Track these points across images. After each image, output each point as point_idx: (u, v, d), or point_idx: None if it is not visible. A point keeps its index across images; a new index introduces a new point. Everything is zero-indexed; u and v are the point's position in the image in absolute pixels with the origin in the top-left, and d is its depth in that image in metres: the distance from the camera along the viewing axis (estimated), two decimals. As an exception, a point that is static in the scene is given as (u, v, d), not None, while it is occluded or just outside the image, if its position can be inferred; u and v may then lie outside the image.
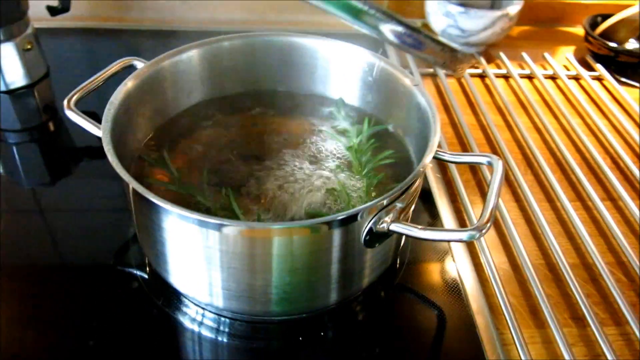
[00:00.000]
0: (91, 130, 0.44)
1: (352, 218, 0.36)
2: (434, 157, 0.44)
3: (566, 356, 0.42)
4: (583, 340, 0.44)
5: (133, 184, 0.36)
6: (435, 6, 0.79)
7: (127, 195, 0.42)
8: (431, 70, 0.78)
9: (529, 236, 0.53)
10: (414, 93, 0.48)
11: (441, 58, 0.33)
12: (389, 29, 0.30)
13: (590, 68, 0.81)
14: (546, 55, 0.83)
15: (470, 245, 0.51)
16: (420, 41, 0.32)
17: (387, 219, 0.38)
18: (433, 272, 0.50)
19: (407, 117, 0.49)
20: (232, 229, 0.35)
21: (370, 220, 0.37)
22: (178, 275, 0.42)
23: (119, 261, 0.50)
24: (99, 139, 0.41)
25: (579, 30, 0.91)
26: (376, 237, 0.39)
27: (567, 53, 0.85)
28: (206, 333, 0.44)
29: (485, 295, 0.47)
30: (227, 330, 0.44)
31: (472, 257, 0.50)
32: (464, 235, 0.37)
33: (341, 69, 0.54)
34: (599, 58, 0.82)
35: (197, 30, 0.85)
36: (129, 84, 0.46)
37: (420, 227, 0.38)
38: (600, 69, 0.80)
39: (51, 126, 0.68)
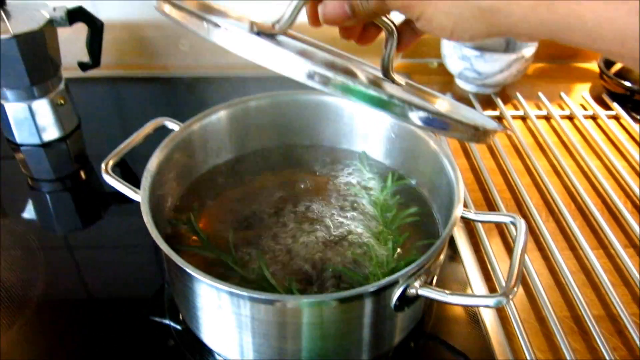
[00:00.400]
0: (130, 195, 0.46)
1: (383, 289, 0.37)
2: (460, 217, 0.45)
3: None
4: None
5: (170, 254, 0.38)
6: (451, 49, 0.81)
7: (162, 260, 0.44)
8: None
9: (553, 287, 0.54)
10: (437, 152, 0.49)
11: (467, 134, 0.35)
12: (415, 116, 0.32)
13: (606, 106, 0.82)
14: (562, 94, 0.84)
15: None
16: (446, 123, 0.33)
17: (417, 284, 0.39)
18: (461, 323, 0.51)
19: (431, 174, 0.51)
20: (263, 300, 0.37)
21: (400, 287, 0.39)
22: (210, 334, 0.44)
23: (151, 311, 0.51)
24: (129, 182, 0.43)
25: (594, 66, 0.92)
26: (406, 302, 0.40)
27: (583, 91, 0.86)
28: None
29: (512, 350, 0.47)
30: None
31: (499, 310, 0.51)
32: (491, 302, 0.38)
33: (365, 124, 0.55)
34: (614, 96, 0.83)
35: (219, 76, 0.88)
36: (163, 151, 0.48)
37: (448, 292, 0.39)
38: (616, 108, 0.81)
39: (82, 174, 0.70)
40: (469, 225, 0.61)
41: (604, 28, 0.27)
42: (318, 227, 0.47)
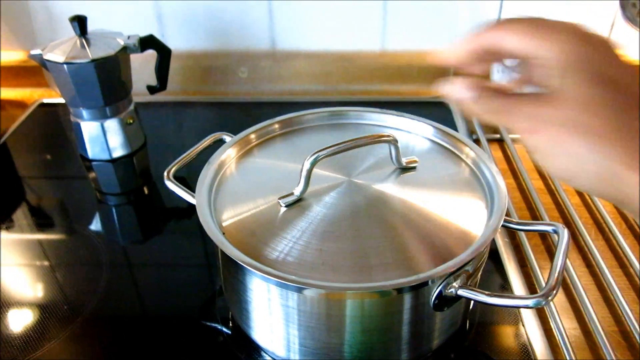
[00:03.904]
0: (187, 199, 0.50)
1: (422, 284, 0.39)
2: (503, 226, 0.46)
3: None
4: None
5: (223, 245, 0.41)
6: (499, 74, 0.82)
7: (217, 256, 0.47)
8: (498, 135, 0.80)
9: (601, 302, 0.53)
10: (478, 163, 0.51)
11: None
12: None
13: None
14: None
15: (540, 311, 0.52)
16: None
17: (456, 284, 0.40)
18: (503, 335, 0.51)
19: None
20: (309, 290, 0.39)
21: (439, 285, 0.40)
22: (260, 331, 0.46)
23: (203, 316, 0.54)
24: (188, 202, 0.46)
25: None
26: (445, 301, 0.41)
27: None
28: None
29: (556, 363, 0.47)
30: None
31: (543, 322, 0.51)
32: (530, 302, 0.39)
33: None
34: None
35: (274, 101, 0.93)
36: (218, 157, 0.52)
37: (487, 292, 0.40)
38: None
39: (146, 190, 0.75)
40: (514, 241, 0.61)
41: None
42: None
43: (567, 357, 0.47)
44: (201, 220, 0.44)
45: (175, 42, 0.88)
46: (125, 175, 0.77)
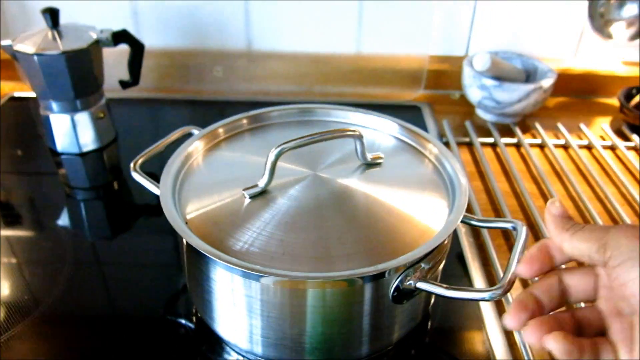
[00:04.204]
0: (153, 190, 0.50)
1: (380, 275, 0.39)
2: (463, 222, 0.47)
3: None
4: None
5: (187, 236, 0.41)
6: (471, 79, 0.84)
7: (180, 248, 0.47)
8: (467, 139, 0.82)
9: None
10: (442, 161, 0.51)
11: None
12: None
13: (626, 138, 0.83)
14: (582, 125, 0.85)
15: (501, 310, 0.53)
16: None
17: (414, 277, 0.41)
18: (463, 334, 0.52)
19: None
20: (269, 279, 0.39)
21: (398, 278, 0.41)
22: (223, 323, 0.46)
23: (168, 311, 0.54)
24: (157, 198, 0.46)
25: (614, 102, 0.93)
26: (404, 294, 0.42)
27: (602, 123, 0.88)
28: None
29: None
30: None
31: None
32: (487, 295, 0.40)
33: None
34: (635, 129, 0.84)
35: (249, 100, 0.93)
36: (184, 149, 0.52)
37: (445, 286, 0.41)
38: (635, 139, 0.82)
39: (115, 185, 0.75)
40: (478, 241, 0.62)
41: None
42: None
43: (526, 358, 0.48)
44: (164, 210, 0.44)
45: (150, 39, 0.88)
46: (95, 170, 0.76)
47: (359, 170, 0.50)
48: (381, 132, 0.57)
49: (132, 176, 0.52)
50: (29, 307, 0.53)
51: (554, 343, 0.30)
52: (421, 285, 0.41)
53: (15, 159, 0.80)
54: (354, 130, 0.49)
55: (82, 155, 0.77)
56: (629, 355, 0.30)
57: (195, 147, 0.53)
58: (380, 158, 0.51)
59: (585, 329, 0.33)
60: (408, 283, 0.41)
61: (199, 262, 0.43)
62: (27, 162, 0.79)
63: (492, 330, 0.51)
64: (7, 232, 0.64)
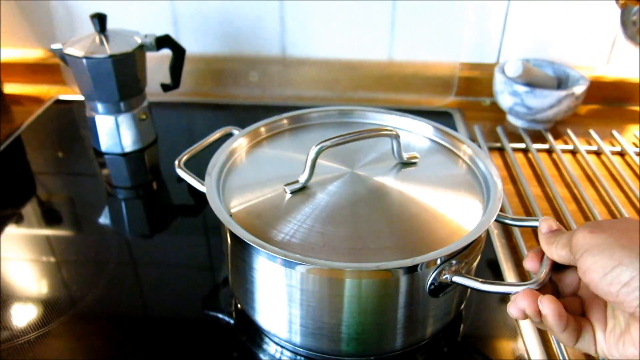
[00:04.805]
0: (197, 186, 0.52)
1: (416, 267, 0.41)
2: (497, 221, 0.49)
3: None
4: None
5: (230, 225, 0.43)
6: (502, 86, 0.85)
7: (224, 240, 0.49)
8: (498, 144, 0.83)
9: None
10: (476, 162, 0.53)
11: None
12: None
13: (659, 146, 0.83)
14: (614, 132, 0.85)
15: None
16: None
17: (450, 271, 0.42)
18: (497, 333, 0.53)
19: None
20: (310, 268, 0.41)
21: (434, 271, 0.42)
22: (263, 312, 0.48)
23: (206, 306, 0.56)
24: (194, 199, 0.48)
25: (648, 109, 0.93)
26: (440, 287, 0.43)
27: (635, 131, 0.87)
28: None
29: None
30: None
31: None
32: (520, 289, 0.41)
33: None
34: (669, 136, 0.84)
35: (283, 105, 0.95)
36: (228, 147, 0.54)
37: (480, 280, 0.42)
38: (670, 147, 0.82)
39: (155, 185, 0.78)
40: (511, 243, 0.63)
41: None
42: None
43: (559, 354, 0.49)
44: (210, 202, 0.46)
45: (189, 45, 0.91)
46: (136, 169, 0.79)
47: (395, 169, 0.52)
48: (416, 134, 0.59)
49: (171, 178, 0.54)
50: (66, 304, 0.55)
51: (549, 303, 0.34)
52: (457, 279, 0.42)
53: (59, 159, 0.83)
54: (390, 130, 0.51)
55: (124, 155, 0.80)
56: (602, 332, 0.35)
57: (238, 144, 0.55)
58: (415, 158, 0.53)
59: (570, 313, 0.37)
60: (444, 277, 0.42)
61: (242, 253, 0.45)
62: (70, 162, 0.83)
63: (526, 330, 0.52)
64: (49, 231, 0.67)
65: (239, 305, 0.54)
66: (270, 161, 0.54)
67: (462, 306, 0.52)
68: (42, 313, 0.54)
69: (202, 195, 0.48)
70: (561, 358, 0.49)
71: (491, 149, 0.82)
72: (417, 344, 0.49)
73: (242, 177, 0.52)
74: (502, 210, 0.47)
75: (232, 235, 0.44)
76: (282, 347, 0.50)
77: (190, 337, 0.52)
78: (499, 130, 0.85)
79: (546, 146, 0.82)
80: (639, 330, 0.32)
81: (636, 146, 0.83)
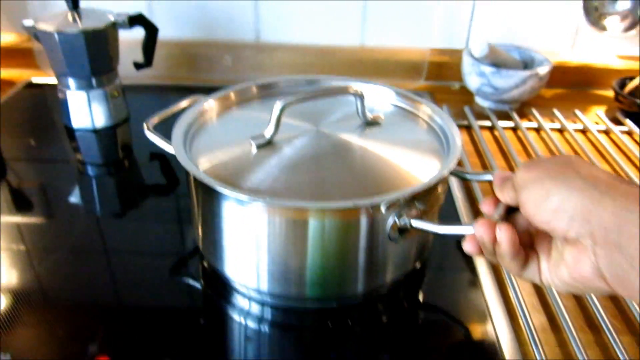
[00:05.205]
0: (165, 148, 0.53)
1: (374, 209, 0.42)
2: (457, 176, 0.50)
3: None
4: (597, 345, 0.47)
5: (197, 174, 0.44)
6: (470, 67, 0.88)
7: (192, 195, 0.50)
8: (466, 122, 0.85)
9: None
10: (437, 122, 0.55)
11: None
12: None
13: (620, 124, 0.86)
14: (577, 112, 0.88)
15: (498, 274, 0.55)
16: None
17: (410, 215, 0.44)
18: (457, 287, 0.54)
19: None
20: (273, 208, 0.42)
21: (394, 214, 0.43)
22: (231, 263, 0.49)
23: (175, 274, 0.56)
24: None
25: (609, 93, 0.96)
26: (399, 231, 0.44)
27: (597, 111, 0.90)
28: (252, 321, 0.50)
29: (510, 317, 0.50)
30: (269, 316, 0.50)
31: (500, 287, 0.53)
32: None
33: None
34: (629, 115, 0.87)
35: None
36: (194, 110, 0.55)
37: (438, 223, 0.44)
38: (629, 124, 0.84)
39: (126, 163, 0.78)
40: (471, 197, 0.65)
41: None
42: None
43: (519, 309, 0.50)
44: (176, 153, 0.47)
45: (163, 29, 0.91)
46: (107, 146, 0.80)
47: (360, 128, 0.53)
48: (380, 100, 0.60)
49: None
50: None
51: (506, 229, 0.36)
52: (416, 223, 0.44)
53: (29, 139, 0.82)
54: (355, 89, 0.52)
55: (96, 132, 0.80)
56: (547, 262, 0.36)
57: (208, 107, 0.57)
58: (379, 118, 0.54)
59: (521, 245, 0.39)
60: (403, 221, 0.44)
61: (210, 203, 0.46)
62: (41, 140, 0.82)
63: (486, 283, 0.53)
64: (18, 218, 0.66)
65: (205, 264, 0.55)
66: (238, 123, 0.55)
67: (421, 261, 0.54)
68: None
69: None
70: (520, 311, 0.50)
71: (459, 127, 0.84)
72: (378, 292, 0.50)
73: (210, 137, 0.53)
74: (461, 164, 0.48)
75: (199, 186, 0.45)
76: (250, 299, 0.51)
77: (161, 303, 0.52)
78: (467, 110, 0.88)
79: (512, 124, 0.85)
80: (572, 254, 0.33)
81: (598, 124, 0.86)
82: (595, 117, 0.89)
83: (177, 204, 0.68)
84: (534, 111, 0.88)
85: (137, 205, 0.69)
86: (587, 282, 0.33)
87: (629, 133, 0.84)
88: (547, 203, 0.33)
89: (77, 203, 0.69)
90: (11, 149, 0.79)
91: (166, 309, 0.52)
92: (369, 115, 0.54)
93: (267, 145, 0.50)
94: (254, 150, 0.49)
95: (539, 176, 0.34)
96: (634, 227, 0.29)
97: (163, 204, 0.69)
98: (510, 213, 0.41)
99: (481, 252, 0.39)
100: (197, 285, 0.55)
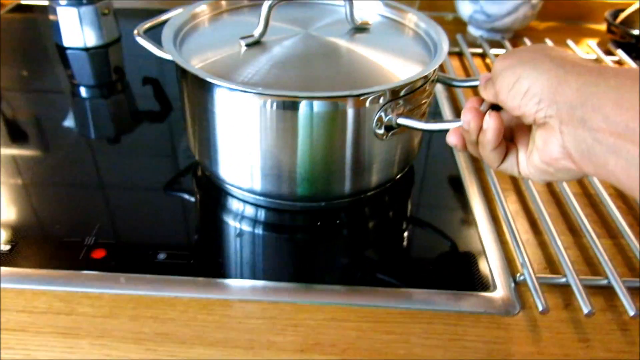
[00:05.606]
0: (155, 52, 0.53)
1: (361, 101, 0.43)
2: (444, 83, 0.51)
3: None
4: (577, 246, 0.50)
5: (189, 67, 0.45)
6: (463, -5, 0.87)
7: (184, 95, 0.50)
8: (457, 49, 0.85)
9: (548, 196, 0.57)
10: (425, 29, 0.55)
11: None
12: None
13: (611, 54, 0.86)
14: (569, 42, 0.88)
15: (486, 190, 0.56)
16: None
17: (396, 112, 0.45)
18: (443, 192, 0.56)
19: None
20: (264, 99, 0.43)
21: (380, 108, 0.44)
22: (224, 164, 0.50)
23: (169, 189, 0.57)
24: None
25: (602, 27, 0.96)
26: (385, 128, 0.45)
27: (589, 42, 0.91)
28: (247, 224, 0.51)
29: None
30: (262, 218, 0.52)
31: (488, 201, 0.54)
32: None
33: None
34: (621, 46, 0.87)
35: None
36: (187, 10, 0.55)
37: (423, 120, 0.45)
38: (620, 54, 0.85)
39: (119, 86, 0.78)
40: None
41: None
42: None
43: (507, 224, 0.51)
44: (165, 48, 0.48)
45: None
46: (99, 66, 0.79)
47: (348, 33, 0.54)
48: (368, 11, 0.60)
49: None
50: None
51: (495, 116, 0.36)
52: (401, 120, 0.45)
53: (19, 60, 0.82)
54: (345, -8, 0.52)
55: (87, 50, 0.80)
56: (525, 154, 0.37)
57: (198, 11, 0.56)
58: (368, 24, 0.55)
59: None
60: (388, 118, 0.45)
61: (202, 98, 0.47)
62: (32, 62, 0.81)
63: (472, 193, 0.55)
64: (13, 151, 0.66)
65: (200, 173, 0.56)
66: (228, 26, 0.56)
67: (406, 168, 0.55)
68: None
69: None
70: (504, 217, 0.52)
71: (450, 54, 0.84)
72: (364, 193, 0.52)
73: (201, 39, 0.53)
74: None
75: (191, 82, 0.46)
76: (244, 201, 0.52)
77: (158, 215, 0.52)
78: (459, 37, 0.88)
79: (503, 51, 0.85)
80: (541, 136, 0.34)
81: (588, 54, 0.87)
82: (587, 48, 0.89)
83: (171, 128, 0.68)
84: (527, 41, 0.88)
85: (131, 130, 0.68)
86: (555, 164, 0.34)
87: (620, 63, 0.84)
88: (517, 87, 0.33)
89: (70, 127, 0.68)
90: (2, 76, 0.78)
91: (163, 219, 0.52)
92: (358, 20, 0.54)
93: (257, 44, 0.50)
94: (244, 49, 0.49)
95: (512, 63, 0.35)
96: (597, 100, 0.30)
97: (157, 129, 0.68)
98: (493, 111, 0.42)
99: (463, 144, 0.40)
100: (192, 198, 0.55)
